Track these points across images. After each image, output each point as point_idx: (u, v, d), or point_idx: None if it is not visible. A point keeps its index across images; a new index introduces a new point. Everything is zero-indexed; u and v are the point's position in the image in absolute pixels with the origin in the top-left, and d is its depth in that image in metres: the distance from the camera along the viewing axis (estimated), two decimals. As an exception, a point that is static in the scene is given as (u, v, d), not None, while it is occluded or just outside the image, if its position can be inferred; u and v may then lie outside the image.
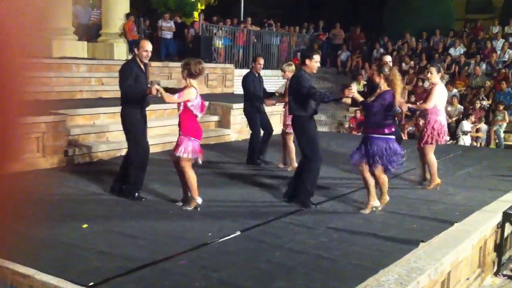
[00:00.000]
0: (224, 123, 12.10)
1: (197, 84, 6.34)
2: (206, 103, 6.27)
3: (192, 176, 6.31)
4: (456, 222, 6.24)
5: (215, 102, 12.26)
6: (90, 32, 15.97)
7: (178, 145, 6.30)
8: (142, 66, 6.66)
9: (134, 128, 6.65)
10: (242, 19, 21.55)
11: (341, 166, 9.04)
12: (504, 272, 6.96)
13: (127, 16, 15.63)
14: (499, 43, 18.86)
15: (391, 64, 8.29)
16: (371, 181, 6.53)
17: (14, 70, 1.07)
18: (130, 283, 4.22)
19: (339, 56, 21.39)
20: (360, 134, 15.60)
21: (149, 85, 6.64)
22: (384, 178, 6.55)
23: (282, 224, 6.03)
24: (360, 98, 6.72)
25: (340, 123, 17.35)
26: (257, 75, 9.37)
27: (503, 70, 17.12)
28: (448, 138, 8.14)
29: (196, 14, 22.86)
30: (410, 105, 8.42)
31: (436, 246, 5.44)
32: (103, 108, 10.16)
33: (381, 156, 6.34)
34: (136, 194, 6.71)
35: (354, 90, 6.61)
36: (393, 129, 6.51)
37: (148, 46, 6.65)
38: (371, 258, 4.97)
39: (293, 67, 9.02)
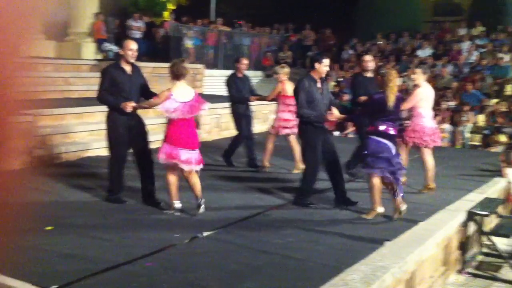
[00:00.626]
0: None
1: (181, 85, 6.19)
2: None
3: (170, 182, 6.23)
4: (421, 221, 6.35)
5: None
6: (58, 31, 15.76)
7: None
8: (126, 68, 6.51)
9: (114, 133, 6.52)
10: (212, 19, 21.52)
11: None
12: (468, 270, 7.09)
13: (96, 15, 15.48)
14: (466, 45, 19.18)
15: (372, 63, 8.38)
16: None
17: (7, 70, 1.06)
18: (94, 286, 4.19)
19: (309, 57, 21.47)
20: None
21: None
22: (372, 183, 6.38)
23: (249, 224, 6.05)
24: (342, 117, 6.73)
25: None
26: (240, 75, 9.22)
27: (474, 72, 17.41)
28: (439, 140, 8.11)
29: (166, 14, 22.75)
30: None
31: (401, 245, 5.52)
32: (70, 108, 10.03)
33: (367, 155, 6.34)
34: (113, 197, 6.63)
35: (336, 113, 6.63)
36: (381, 128, 6.29)
37: (132, 45, 6.52)
38: (337, 257, 5.02)
39: (286, 69, 9.05)
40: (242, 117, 9.18)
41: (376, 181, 6.40)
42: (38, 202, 6.56)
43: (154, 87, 12.56)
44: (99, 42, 15.36)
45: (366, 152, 6.34)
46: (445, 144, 14.46)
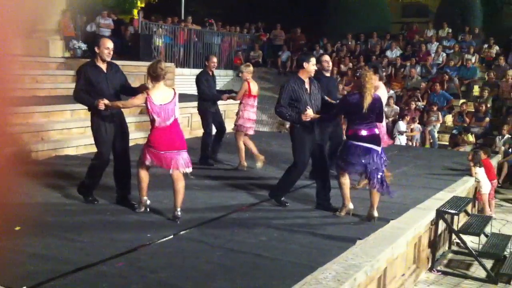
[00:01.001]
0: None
1: (159, 87, 5.97)
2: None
3: (141, 178, 6.15)
4: (392, 219, 6.40)
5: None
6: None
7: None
8: (102, 66, 6.37)
9: (96, 134, 6.39)
10: (183, 17, 21.38)
11: (282, 165, 9.07)
12: (438, 268, 7.19)
13: (63, 12, 15.22)
14: (434, 46, 19.45)
15: (330, 63, 8.44)
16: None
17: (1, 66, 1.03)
18: (65, 286, 4.11)
19: (280, 56, 21.55)
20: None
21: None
22: (341, 181, 6.47)
23: (222, 224, 6.02)
24: (317, 116, 6.70)
25: (281, 123, 17.47)
26: (211, 73, 9.31)
27: (441, 73, 17.67)
28: (389, 140, 8.19)
29: (135, 11, 22.57)
30: None
31: (372, 243, 5.55)
32: (37, 106, 9.83)
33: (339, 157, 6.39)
34: (88, 195, 6.54)
35: (310, 113, 6.56)
36: (362, 133, 6.24)
37: (108, 43, 6.38)
38: (310, 256, 5.03)
39: (251, 68, 9.12)
40: (209, 114, 9.27)
41: (345, 179, 6.47)
42: (6, 201, 6.41)
43: (124, 86, 12.47)
44: (67, 40, 15.09)
45: (343, 156, 6.38)
46: (415, 144, 14.68)
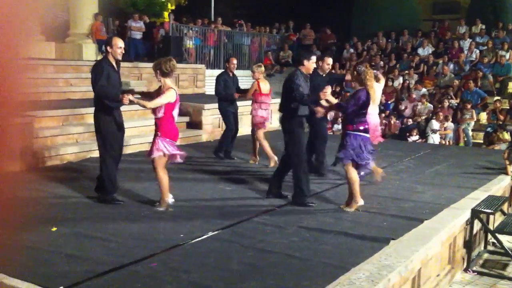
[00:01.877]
0: (195, 123, 12.06)
1: (173, 83, 6.30)
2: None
3: (163, 177, 6.27)
4: (425, 219, 6.32)
5: (186, 102, 12.19)
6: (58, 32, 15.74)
7: (153, 146, 6.24)
8: (114, 65, 6.57)
9: (107, 132, 6.52)
10: (212, 19, 21.48)
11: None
12: (474, 268, 7.05)
13: (95, 16, 15.46)
14: (466, 43, 19.12)
15: (330, 66, 8.69)
16: (356, 179, 6.66)
17: (9, 71, 1.04)
18: (99, 286, 4.17)
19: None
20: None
21: (123, 88, 6.71)
22: (352, 178, 6.62)
23: (253, 224, 6.02)
24: (334, 100, 6.89)
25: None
26: (231, 74, 9.79)
27: (475, 70, 17.39)
28: (379, 136, 8.35)
29: (166, 14, 22.76)
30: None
31: (406, 243, 5.49)
32: (71, 109, 10.01)
33: (353, 150, 6.49)
34: (110, 197, 6.62)
35: (328, 92, 6.69)
36: (367, 126, 6.65)
37: (121, 43, 6.61)
38: (342, 257, 5.00)
39: (262, 68, 9.53)
40: (229, 112, 9.79)
41: (355, 174, 6.62)
42: (41, 202, 6.54)
43: (156, 88, 12.58)
44: (99, 43, 15.32)
45: (348, 148, 6.50)
46: (448, 142, 14.46)
